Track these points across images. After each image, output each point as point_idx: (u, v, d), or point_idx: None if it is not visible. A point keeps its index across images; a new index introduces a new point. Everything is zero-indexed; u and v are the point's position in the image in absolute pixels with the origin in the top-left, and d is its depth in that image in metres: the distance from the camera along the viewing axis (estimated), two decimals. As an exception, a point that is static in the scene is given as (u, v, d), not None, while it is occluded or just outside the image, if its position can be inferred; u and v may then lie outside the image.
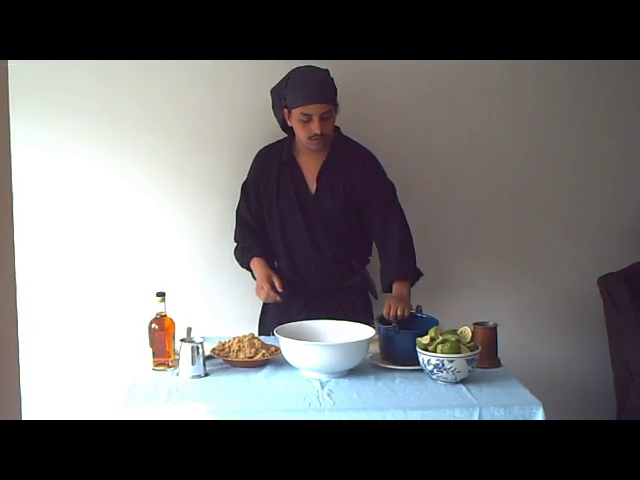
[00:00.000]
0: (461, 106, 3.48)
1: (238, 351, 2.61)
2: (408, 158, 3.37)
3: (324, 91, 2.92)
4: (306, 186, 3.06)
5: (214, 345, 2.66)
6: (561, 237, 3.61)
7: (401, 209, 3.06)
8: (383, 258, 3.05)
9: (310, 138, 2.93)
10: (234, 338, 2.68)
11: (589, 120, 3.55)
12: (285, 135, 3.11)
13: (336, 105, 2.96)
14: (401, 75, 3.39)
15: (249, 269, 3.09)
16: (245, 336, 2.68)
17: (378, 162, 3.09)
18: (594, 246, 3.61)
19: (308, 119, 2.89)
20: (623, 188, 3.63)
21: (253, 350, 2.60)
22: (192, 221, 3.42)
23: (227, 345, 2.65)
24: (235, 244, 3.15)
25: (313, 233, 3.05)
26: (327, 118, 2.91)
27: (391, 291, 2.96)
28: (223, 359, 2.59)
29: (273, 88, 3.05)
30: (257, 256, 3.04)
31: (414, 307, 2.77)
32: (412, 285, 3.00)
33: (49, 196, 3.34)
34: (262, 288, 2.96)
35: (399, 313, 2.76)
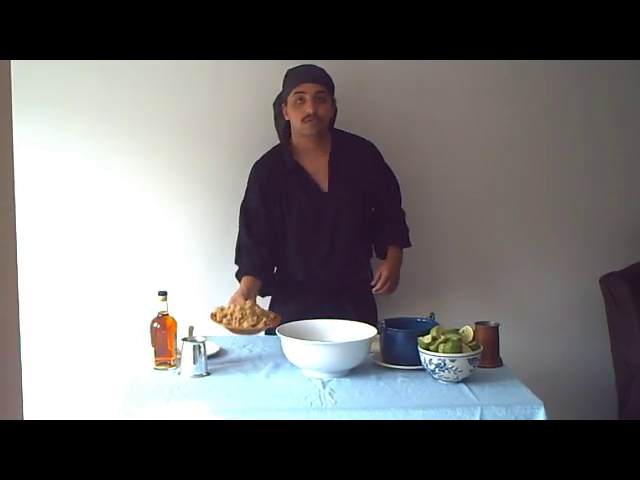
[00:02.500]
0: (464, 106, 3.49)
1: (241, 319, 2.61)
2: (408, 158, 3.37)
3: (318, 73, 2.97)
4: (317, 186, 3.06)
5: (214, 311, 2.67)
6: (563, 236, 3.61)
7: (399, 188, 3.22)
8: (384, 227, 3.17)
9: (304, 120, 2.95)
10: (235, 305, 2.67)
11: (592, 119, 3.55)
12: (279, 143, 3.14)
13: (332, 94, 3.00)
14: (403, 75, 3.40)
15: None
16: (246, 303, 2.68)
17: (376, 148, 3.16)
18: (596, 245, 3.61)
19: (302, 101, 2.93)
20: (626, 187, 3.63)
21: (255, 318, 2.61)
22: (193, 221, 3.42)
23: (229, 312, 2.64)
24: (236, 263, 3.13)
25: (329, 232, 3.06)
26: (321, 100, 2.94)
27: (386, 256, 3.14)
28: (225, 327, 2.59)
29: (275, 101, 3.11)
30: (245, 275, 3.00)
31: (428, 314, 2.74)
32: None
33: (51, 196, 3.35)
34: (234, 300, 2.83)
35: (385, 292, 3.08)
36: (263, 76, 3.29)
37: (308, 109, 2.92)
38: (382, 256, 3.18)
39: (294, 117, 2.98)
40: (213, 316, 2.64)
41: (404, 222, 3.22)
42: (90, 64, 3.14)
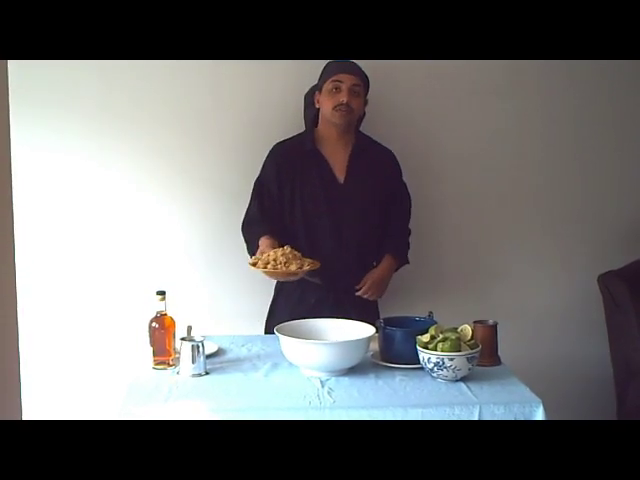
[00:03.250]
0: (459, 107, 3.48)
1: (286, 263, 2.66)
2: (409, 159, 3.36)
3: (357, 68, 3.02)
4: (333, 175, 3.07)
5: (253, 259, 2.75)
6: (561, 235, 3.62)
7: (410, 205, 3.23)
8: (387, 237, 3.14)
9: (335, 108, 2.98)
10: (275, 251, 2.72)
11: (591, 119, 3.56)
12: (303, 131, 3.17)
13: (366, 92, 3.06)
14: (404, 75, 3.40)
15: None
16: (285, 248, 2.73)
17: (396, 159, 3.19)
18: (595, 244, 3.62)
19: (337, 90, 2.97)
20: (624, 186, 3.63)
21: (299, 261, 2.69)
22: (192, 220, 3.42)
23: (271, 258, 2.69)
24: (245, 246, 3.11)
25: (339, 224, 3.05)
26: (356, 94, 2.99)
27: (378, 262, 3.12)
28: (269, 272, 2.67)
29: (307, 92, 3.15)
30: (263, 235, 2.96)
31: (426, 313, 2.74)
32: (397, 269, 3.17)
33: (50, 195, 3.35)
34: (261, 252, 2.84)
35: (369, 297, 3.05)
36: (263, 76, 3.29)
37: (342, 98, 2.96)
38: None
39: (326, 104, 3.01)
40: (254, 265, 2.70)
41: (407, 238, 3.20)
42: (90, 64, 3.14)
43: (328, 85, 3.00)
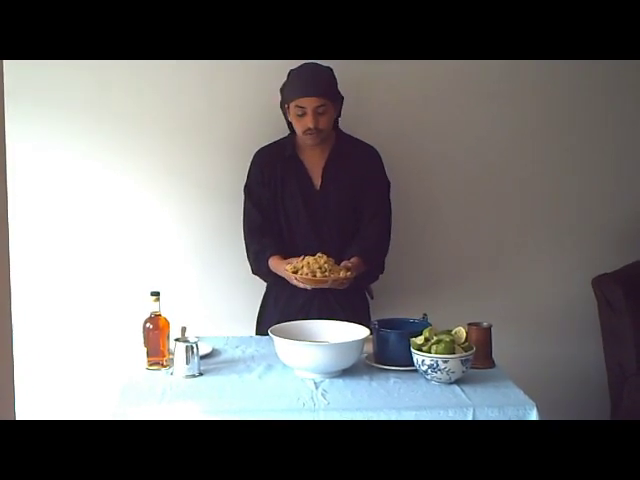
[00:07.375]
0: (460, 107, 3.48)
1: (331, 270, 2.73)
2: (405, 160, 3.36)
3: (319, 85, 2.92)
4: (311, 181, 3.06)
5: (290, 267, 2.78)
6: (556, 237, 3.62)
7: (390, 207, 3.10)
8: (357, 239, 3.02)
9: (304, 133, 2.94)
10: (316, 260, 2.75)
11: (586, 121, 3.56)
12: (287, 135, 3.13)
13: (335, 100, 2.97)
14: (400, 75, 3.40)
15: (266, 272, 3.01)
16: (321, 257, 2.77)
17: (379, 156, 3.11)
18: (589, 247, 3.62)
19: (303, 113, 2.91)
20: (618, 189, 3.63)
21: (342, 270, 2.76)
22: (187, 221, 3.42)
23: (316, 267, 2.73)
24: (245, 251, 3.11)
25: (318, 228, 3.05)
26: (322, 113, 2.91)
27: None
28: (317, 279, 2.71)
29: (281, 87, 3.07)
30: (274, 254, 2.97)
31: (421, 315, 2.72)
32: (369, 283, 3.12)
33: (44, 196, 3.34)
34: (296, 279, 2.82)
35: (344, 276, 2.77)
36: (260, 76, 3.29)
37: (309, 124, 2.90)
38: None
39: (296, 126, 2.98)
40: (300, 274, 2.73)
41: (375, 244, 3.04)
42: (86, 64, 3.13)
43: (293, 108, 2.93)
